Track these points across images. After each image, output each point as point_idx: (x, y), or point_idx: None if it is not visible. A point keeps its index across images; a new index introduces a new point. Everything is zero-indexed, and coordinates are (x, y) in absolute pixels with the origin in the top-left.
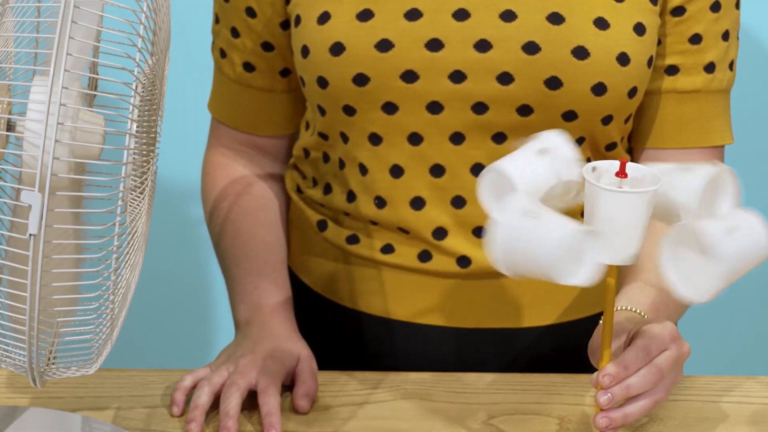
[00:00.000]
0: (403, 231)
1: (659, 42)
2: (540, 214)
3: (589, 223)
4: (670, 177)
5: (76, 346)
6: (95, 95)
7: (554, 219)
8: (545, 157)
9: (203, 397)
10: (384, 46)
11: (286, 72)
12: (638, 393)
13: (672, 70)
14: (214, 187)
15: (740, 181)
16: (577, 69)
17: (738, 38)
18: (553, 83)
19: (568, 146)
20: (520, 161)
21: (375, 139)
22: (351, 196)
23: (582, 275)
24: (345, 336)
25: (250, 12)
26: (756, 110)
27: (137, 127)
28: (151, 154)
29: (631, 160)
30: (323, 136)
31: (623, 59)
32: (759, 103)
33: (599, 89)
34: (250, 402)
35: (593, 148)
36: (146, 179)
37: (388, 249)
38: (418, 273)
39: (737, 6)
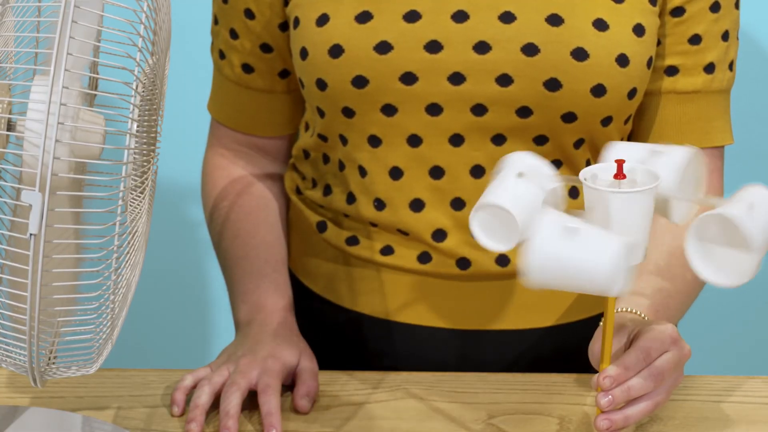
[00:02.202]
0: (403, 233)
1: (659, 43)
2: (579, 229)
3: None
4: (648, 165)
5: (76, 346)
6: (96, 95)
7: (595, 233)
8: (526, 179)
9: (203, 397)
10: (383, 47)
11: (285, 73)
12: (639, 395)
13: (672, 70)
14: (214, 188)
15: (740, 182)
16: (577, 70)
17: (738, 38)
18: (553, 85)
19: (542, 163)
20: (506, 190)
21: (374, 140)
22: (351, 198)
23: (624, 283)
24: (345, 337)
25: (249, 13)
26: (756, 110)
27: (137, 126)
28: (152, 153)
29: None
30: (323, 138)
31: (623, 60)
32: (759, 103)
33: (599, 90)
34: (251, 402)
35: (593, 150)
36: (146, 179)
37: (387, 250)
38: (418, 274)
39: (737, 6)
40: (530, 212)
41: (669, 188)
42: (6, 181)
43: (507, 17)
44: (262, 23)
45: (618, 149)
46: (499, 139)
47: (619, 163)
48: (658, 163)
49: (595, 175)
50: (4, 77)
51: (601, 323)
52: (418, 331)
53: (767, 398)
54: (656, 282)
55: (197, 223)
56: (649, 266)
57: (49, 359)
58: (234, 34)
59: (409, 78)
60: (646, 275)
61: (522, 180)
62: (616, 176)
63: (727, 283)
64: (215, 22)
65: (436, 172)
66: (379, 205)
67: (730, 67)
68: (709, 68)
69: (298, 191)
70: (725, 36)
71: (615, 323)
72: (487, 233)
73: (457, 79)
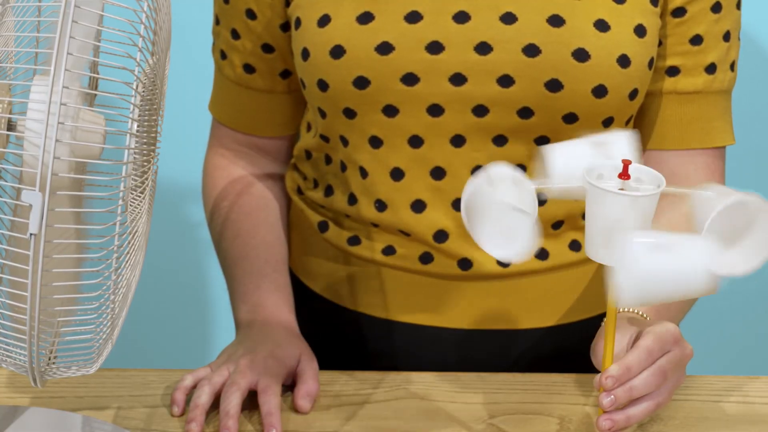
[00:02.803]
0: (404, 233)
1: (660, 43)
2: (670, 244)
3: (595, 227)
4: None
5: (76, 346)
6: (96, 95)
7: (686, 243)
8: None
9: (203, 397)
10: (384, 48)
11: (286, 73)
12: (641, 395)
13: (673, 71)
14: (214, 188)
15: (740, 182)
16: (578, 71)
17: (739, 39)
18: (554, 85)
19: (515, 172)
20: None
21: (375, 141)
22: (352, 199)
23: (715, 281)
24: (345, 336)
25: (250, 14)
26: (756, 110)
27: (138, 126)
28: (152, 153)
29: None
30: (324, 139)
31: (624, 61)
32: (759, 103)
33: (600, 91)
34: (251, 402)
35: None
36: (147, 179)
37: (389, 251)
38: (419, 274)
39: (738, 6)
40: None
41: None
42: (6, 181)
43: (508, 18)
44: (263, 23)
45: (558, 149)
46: (500, 140)
47: (626, 163)
48: (605, 154)
49: (601, 174)
50: (4, 77)
51: (603, 323)
52: (419, 331)
53: (767, 398)
54: None
55: (197, 223)
56: None
57: (49, 359)
58: (235, 35)
59: (410, 79)
60: None
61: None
62: (620, 176)
63: (738, 271)
64: (216, 22)
65: (438, 173)
66: (381, 205)
67: (731, 67)
68: (710, 68)
69: (300, 191)
70: (726, 36)
71: (617, 323)
72: (494, 242)
73: (458, 79)
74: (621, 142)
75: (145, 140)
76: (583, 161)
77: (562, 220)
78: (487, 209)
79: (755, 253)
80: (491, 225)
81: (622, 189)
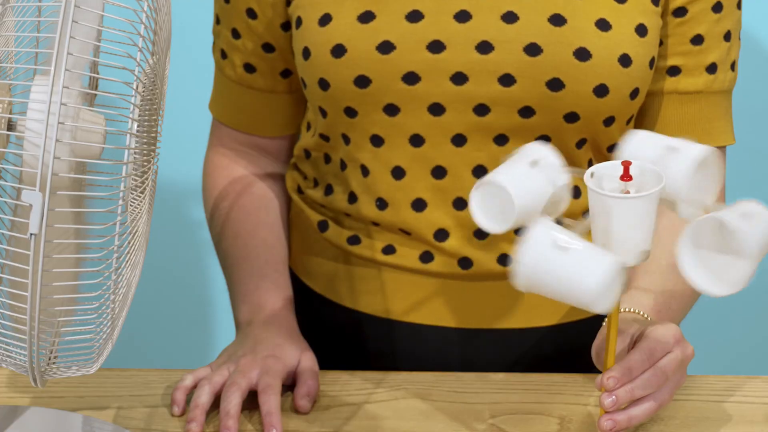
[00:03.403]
0: (405, 232)
1: (661, 43)
2: (570, 245)
3: (597, 228)
4: (661, 162)
5: (76, 346)
6: (96, 94)
7: (587, 253)
8: (538, 168)
9: (204, 397)
10: (385, 47)
11: (287, 73)
12: (643, 395)
13: (674, 71)
14: (214, 188)
15: (740, 181)
16: (579, 70)
17: (740, 38)
18: (555, 85)
19: (555, 155)
20: (514, 174)
21: (376, 140)
22: (352, 198)
23: (610, 303)
24: (345, 336)
25: (251, 13)
26: (756, 110)
27: (138, 126)
28: (152, 153)
29: None
30: (324, 138)
31: (625, 60)
32: (759, 103)
33: (601, 91)
34: (251, 402)
35: (595, 150)
36: (147, 179)
37: (389, 250)
38: (420, 274)
39: (739, 6)
40: (532, 200)
41: (678, 187)
42: (6, 181)
43: (509, 17)
44: (264, 23)
45: (636, 140)
46: (501, 140)
47: (626, 165)
48: (672, 161)
49: (602, 175)
50: (4, 77)
51: (605, 323)
52: (419, 331)
53: (767, 398)
54: (660, 282)
55: (197, 223)
56: (653, 266)
57: (50, 359)
58: (236, 34)
59: (411, 78)
60: (649, 275)
61: (533, 168)
62: (622, 178)
63: (718, 292)
64: (217, 21)
65: (439, 172)
66: (381, 204)
67: (732, 67)
68: (711, 68)
69: (300, 191)
70: (727, 36)
71: (618, 323)
72: (484, 211)
73: (459, 79)
74: (692, 154)
75: (145, 140)
76: (534, 182)
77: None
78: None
79: (730, 278)
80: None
81: (626, 191)
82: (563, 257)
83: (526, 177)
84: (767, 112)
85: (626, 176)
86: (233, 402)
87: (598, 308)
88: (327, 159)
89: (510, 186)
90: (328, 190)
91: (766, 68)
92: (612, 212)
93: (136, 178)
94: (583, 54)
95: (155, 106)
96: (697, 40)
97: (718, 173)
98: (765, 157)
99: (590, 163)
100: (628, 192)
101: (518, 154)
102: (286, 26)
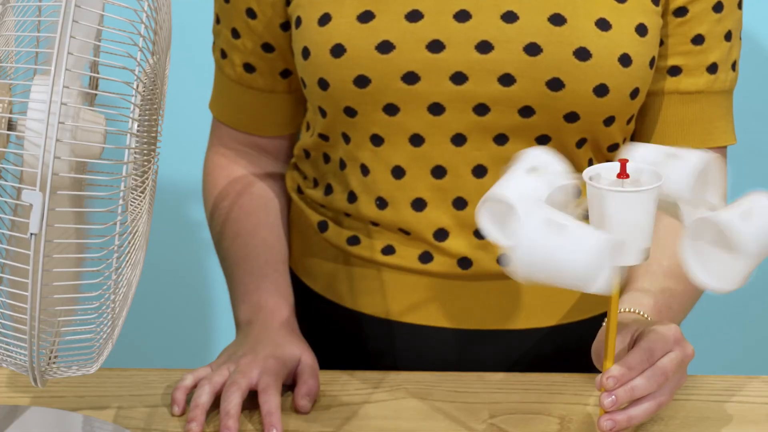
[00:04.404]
0: (404, 232)
1: (661, 43)
2: (563, 224)
3: (598, 227)
4: (662, 167)
5: (77, 346)
6: (96, 94)
7: (578, 229)
8: (536, 175)
9: (204, 397)
10: (385, 47)
11: (286, 73)
12: (642, 395)
13: (674, 71)
14: (214, 187)
15: (740, 181)
16: (579, 70)
17: (740, 38)
18: (555, 84)
19: (556, 161)
20: (513, 184)
21: (376, 140)
22: (352, 197)
23: (605, 281)
24: (346, 336)
25: (251, 13)
26: (756, 110)
27: (138, 126)
28: (152, 153)
29: None
30: (324, 137)
31: (625, 60)
32: (759, 103)
33: (601, 90)
34: (251, 401)
35: (595, 150)
36: (147, 178)
37: (388, 250)
38: (419, 274)
39: (740, 6)
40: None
41: (680, 192)
42: (7, 181)
43: (509, 17)
44: (263, 23)
45: (635, 150)
46: (501, 139)
47: (623, 162)
48: (673, 167)
49: (599, 174)
50: (4, 77)
51: (604, 323)
52: (419, 331)
53: (767, 398)
54: (660, 282)
55: (197, 223)
56: (653, 266)
57: (50, 359)
58: (235, 34)
59: (411, 77)
60: (650, 275)
61: (530, 175)
62: (619, 175)
63: (718, 287)
64: (217, 21)
65: (438, 172)
66: (381, 204)
67: (733, 67)
68: (712, 68)
69: (299, 191)
70: (728, 36)
71: (618, 323)
72: (495, 227)
73: (459, 78)
74: (693, 160)
75: (145, 140)
76: (534, 189)
77: None
78: None
79: (729, 274)
80: None
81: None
82: (556, 236)
83: (524, 185)
84: (767, 112)
85: (623, 174)
86: (233, 402)
87: (592, 287)
88: (326, 158)
89: (514, 200)
90: (328, 189)
91: (766, 68)
92: (609, 206)
93: (137, 177)
94: (583, 54)
95: (155, 106)
96: (698, 40)
97: (720, 176)
98: (765, 157)
99: (590, 163)
100: None
101: (519, 161)
102: (286, 26)
